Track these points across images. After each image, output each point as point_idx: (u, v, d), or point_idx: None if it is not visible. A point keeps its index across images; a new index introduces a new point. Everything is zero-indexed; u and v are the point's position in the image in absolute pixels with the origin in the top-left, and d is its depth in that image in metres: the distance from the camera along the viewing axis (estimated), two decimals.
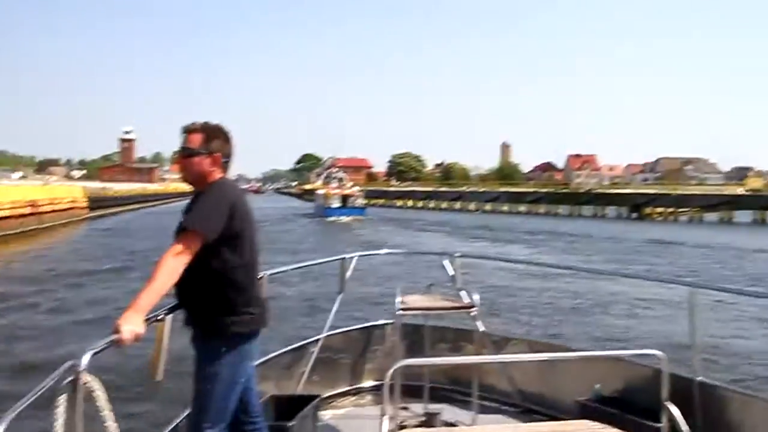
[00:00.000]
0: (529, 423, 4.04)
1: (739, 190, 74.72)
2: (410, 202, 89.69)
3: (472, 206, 79.47)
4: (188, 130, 3.12)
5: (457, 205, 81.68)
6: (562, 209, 70.53)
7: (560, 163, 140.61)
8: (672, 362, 3.42)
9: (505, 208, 75.91)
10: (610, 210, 66.74)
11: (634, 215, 64.04)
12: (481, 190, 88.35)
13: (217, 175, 3.09)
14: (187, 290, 2.98)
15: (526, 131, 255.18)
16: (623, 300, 16.70)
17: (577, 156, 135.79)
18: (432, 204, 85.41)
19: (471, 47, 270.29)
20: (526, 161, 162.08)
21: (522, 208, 74.27)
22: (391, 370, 3.00)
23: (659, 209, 64.21)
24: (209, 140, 3.09)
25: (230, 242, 2.98)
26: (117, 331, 2.57)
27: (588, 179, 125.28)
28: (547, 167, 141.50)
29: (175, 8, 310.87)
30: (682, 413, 3.52)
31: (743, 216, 57.94)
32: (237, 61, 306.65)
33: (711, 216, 60.33)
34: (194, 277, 2.91)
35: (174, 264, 2.79)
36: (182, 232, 2.88)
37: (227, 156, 3.15)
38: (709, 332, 11.51)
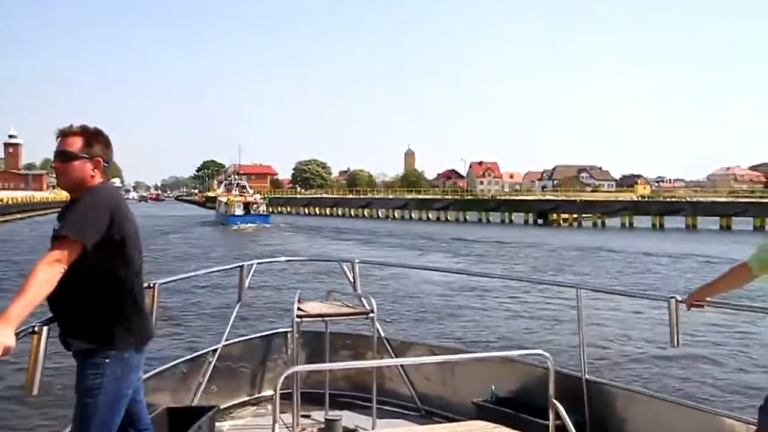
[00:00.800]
0: (427, 426, 4.08)
1: (632, 197, 78.95)
2: (318, 210, 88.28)
3: (380, 213, 79.47)
4: (66, 133, 2.94)
5: (366, 212, 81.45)
6: (470, 216, 71.70)
7: (463, 171, 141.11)
8: (562, 361, 3.94)
9: (414, 215, 76.33)
10: (517, 216, 68.25)
11: (540, 221, 65.85)
12: (390, 197, 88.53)
13: (98, 180, 2.93)
14: (64, 301, 2.79)
15: (428, 139, 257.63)
16: (518, 302, 17.28)
17: (480, 163, 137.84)
18: (340, 211, 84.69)
19: (373, 54, 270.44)
20: (429, 168, 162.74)
21: (430, 214, 74.80)
22: (281, 378, 3.04)
23: (564, 215, 66.07)
24: (90, 144, 2.93)
25: (111, 250, 2.81)
26: None
27: (490, 186, 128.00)
28: (451, 174, 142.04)
29: (63, 7, 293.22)
30: (571, 410, 3.64)
31: (642, 221, 61.15)
32: (133, 65, 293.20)
33: (613, 221, 63.16)
34: (72, 287, 2.73)
35: (48, 274, 2.61)
36: (57, 240, 2.69)
37: (107, 161, 2.99)
38: (596, 331, 12.07)
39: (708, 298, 3.39)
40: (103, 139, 3.00)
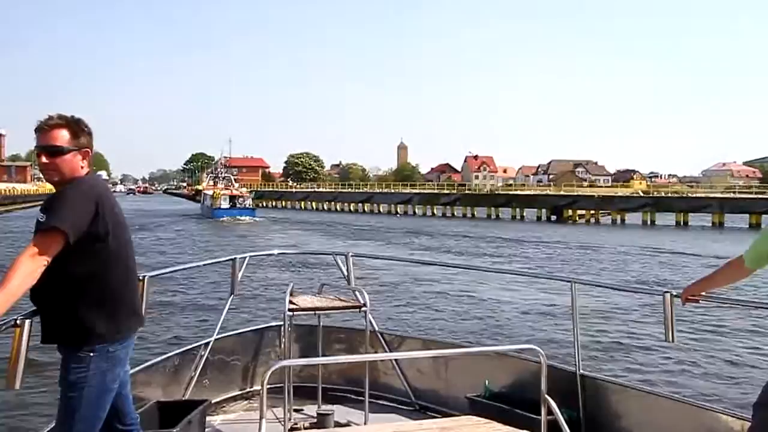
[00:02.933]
0: (419, 420, 4.06)
1: (638, 192, 75.82)
2: (315, 204, 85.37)
3: (382, 208, 76.47)
4: (51, 126, 2.84)
5: (366, 207, 78.22)
6: (479, 211, 68.77)
7: (458, 165, 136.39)
8: (557, 356, 4.04)
9: (419, 210, 73.67)
10: (529, 212, 65.35)
11: (554, 218, 62.95)
12: (393, 191, 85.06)
13: (85, 171, 2.89)
14: (47, 294, 2.77)
15: (421, 133, 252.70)
16: (513, 296, 17.01)
17: (475, 157, 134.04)
18: (338, 206, 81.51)
19: (367, 47, 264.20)
20: (422, 162, 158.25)
21: (436, 210, 71.93)
22: (269, 373, 2.95)
23: (580, 211, 63.03)
24: (77, 135, 2.86)
25: (97, 242, 2.77)
26: None
27: (486, 180, 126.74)
28: (445, 168, 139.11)
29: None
30: (565, 405, 3.75)
31: (663, 218, 58.03)
32: (120, 57, 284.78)
33: (633, 218, 59.62)
34: (56, 280, 2.73)
35: (30, 266, 2.58)
36: (40, 231, 2.65)
37: (92, 151, 2.94)
38: (591, 326, 11.97)
39: (703, 293, 3.37)
40: (87, 128, 2.92)
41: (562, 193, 70.96)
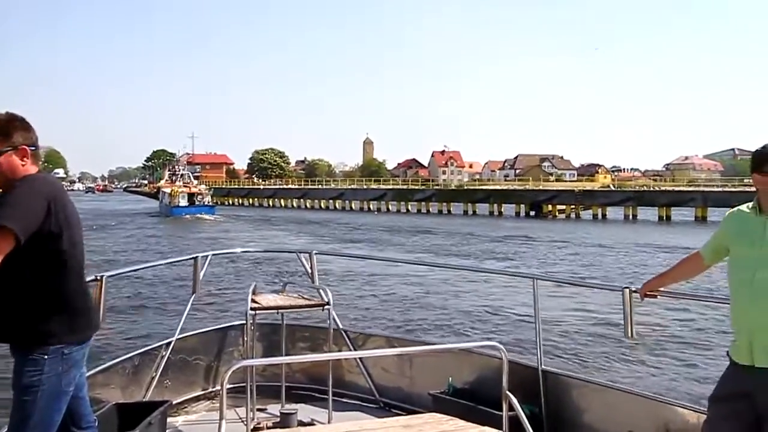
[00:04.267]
0: (383, 419, 3.96)
1: (612, 187, 75.57)
2: (284, 202, 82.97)
3: (354, 205, 74.50)
4: None
5: (338, 204, 76.23)
6: (455, 208, 67.14)
7: (424, 160, 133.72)
8: (519, 352, 4.16)
9: (392, 206, 71.53)
10: (508, 207, 63.84)
11: (533, 213, 61.47)
12: (365, 187, 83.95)
13: (31, 168, 2.82)
14: (0, 295, 2.77)
15: (385, 128, 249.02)
16: (477, 293, 16.88)
17: (442, 152, 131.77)
18: (308, 203, 79.33)
19: (330, 41, 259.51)
20: (388, 158, 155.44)
21: (410, 206, 70.10)
22: (229, 372, 2.93)
23: (560, 206, 61.65)
24: (8, 134, 2.78)
25: (49, 242, 2.73)
26: None
27: (453, 176, 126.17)
28: (412, 164, 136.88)
29: None
30: (527, 401, 3.79)
31: (644, 213, 56.85)
32: (79, 51, 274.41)
33: (615, 213, 58.36)
34: (7, 280, 2.70)
35: None
36: None
37: (34, 145, 2.85)
38: (552, 322, 12.12)
39: (661, 288, 3.44)
40: (20, 124, 2.83)
41: (541, 187, 68.81)
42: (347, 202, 75.73)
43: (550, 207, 61.44)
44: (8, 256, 2.56)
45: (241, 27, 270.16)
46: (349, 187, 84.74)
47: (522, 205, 62.62)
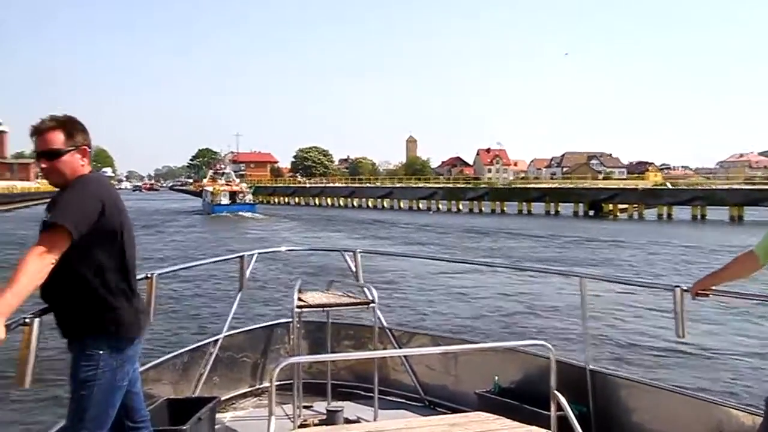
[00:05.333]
0: (428, 417, 4.05)
1: (666, 185, 70.63)
2: (330, 200, 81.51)
3: (403, 204, 73.11)
4: (45, 129, 2.84)
5: (386, 203, 74.82)
6: (509, 207, 64.57)
7: (468, 158, 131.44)
8: (567, 351, 4.00)
9: (442, 206, 69.34)
10: (564, 207, 61.29)
11: (592, 212, 58.72)
12: (414, 185, 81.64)
13: (87, 169, 2.93)
14: (56, 292, 2.82)
15: (429, 126, 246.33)
16: (523, 292, 16.44)
17: (488, 150, 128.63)
18: (356, 202, 77.91)
19: (373, 41, 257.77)
20: (432, 156, 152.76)
21: (461, 206, 67.96)
22: (277, 370, 2.97)
23: (621, 205, 58.77)
24: (72, 134, 2.85)
25: (103, 240, 2.80)
26: None
27: (499, 174, 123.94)
28: (456, 162, 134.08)
29: None
30: (574, 400, 3.78)
31: (713, 213, 53.07)
32: (124, 54, 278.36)
33: (682, 213, 54.70)
34: (64, 278, 2.76)
35: (38, 264, 2.59)
36: (47, 230, 2.67)
37: (90, 145, 2.97)
38: (601, 321, 11.90)
39: (713, 287, 3.34)
40: (80, 126, 2.93)
41: (601, 186, 65.14)
42: (396, 201, 74.60)
43: (611, 206, 58.59)
44: (65, 254, 2.63)
45: (290, 29, 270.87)
46: (397, 185, 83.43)
47: (581, 204, 59.69)
